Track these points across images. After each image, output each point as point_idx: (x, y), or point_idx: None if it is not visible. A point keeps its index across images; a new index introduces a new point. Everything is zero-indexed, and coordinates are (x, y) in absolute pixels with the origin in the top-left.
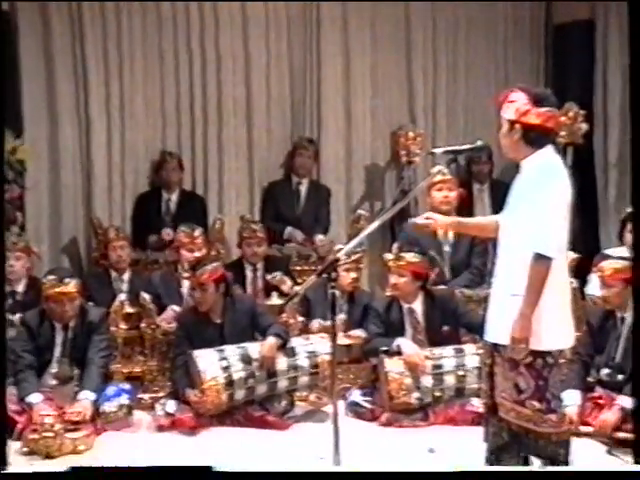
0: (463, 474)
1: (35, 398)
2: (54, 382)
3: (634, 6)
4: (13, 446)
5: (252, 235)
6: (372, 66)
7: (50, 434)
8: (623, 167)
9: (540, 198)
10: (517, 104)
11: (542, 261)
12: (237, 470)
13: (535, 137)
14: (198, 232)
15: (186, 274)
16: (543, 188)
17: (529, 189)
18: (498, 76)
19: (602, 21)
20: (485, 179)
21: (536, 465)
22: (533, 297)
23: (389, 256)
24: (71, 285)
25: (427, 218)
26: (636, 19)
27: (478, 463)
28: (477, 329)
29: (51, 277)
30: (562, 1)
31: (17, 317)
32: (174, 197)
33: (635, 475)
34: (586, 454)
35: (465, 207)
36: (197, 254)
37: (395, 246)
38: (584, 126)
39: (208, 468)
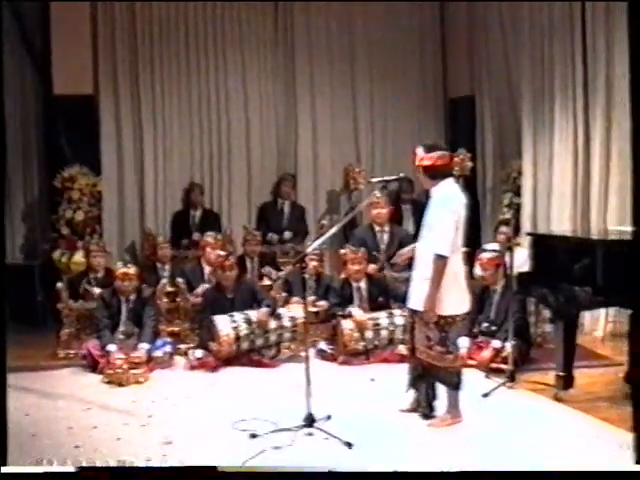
0: (463, 474)
1: (111, 347)
2: (122, 337)
3: (634, 6)
4: (97, 378)
5: (252, 238)
6: (332, 127)
7: (120, 370)
8: (495, 191)
9: (437, 215)
10: (417, 154)
11: (439, 258)
12: (240, 470)
13: (433, 173)
14: (219, 237)
15: (207, 265)
16: (439, 209)
17: (432, 209)
18: (413, 132)
19: (479, 95)
20: (408, 201)
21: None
22: (436, 282)
23: (344, 251)
24: (131, 270)
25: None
26: (636, 19)
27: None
28: (402, 300)
29: (120, 264)
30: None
31: (97, 293)
32: (198, 213)
33: (635, 475)
34: (472, 379)
35: (396, 219)
36: (217, 252)
37: (348, 245)
38: (469, 164)
39: (213, 468)
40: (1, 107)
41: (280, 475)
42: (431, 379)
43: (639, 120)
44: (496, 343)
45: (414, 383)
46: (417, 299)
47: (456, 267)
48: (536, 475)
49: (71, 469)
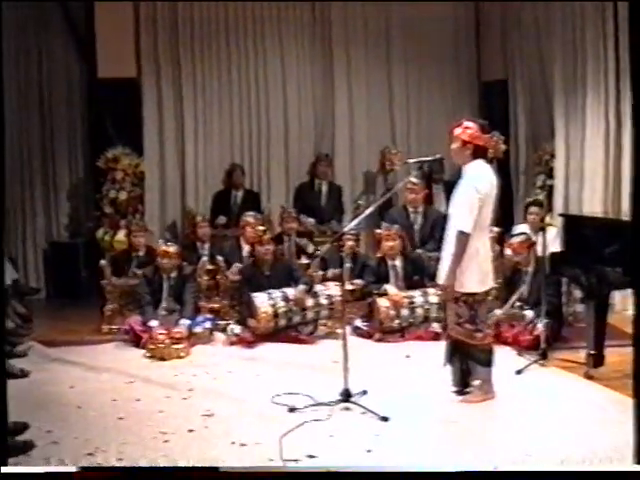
0: (463, 474)
1: (153, 323)
2: (164, 313)
3: (634, 6)
4: (139, 352)
5: (288, 217)
6: (368, 109)
7: (162, 345)
8: (528, 174)
9: (462, 192)
10: (471, 131)
11: (461, 235)
12: (241, 470)
13: (471, 150)
14: (259, 216)
15: (246, 245)
16: (465, 187)
17: (459, 187)
18: (448, 115)
19: (512, 79)
20: (440, 181)
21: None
22: (456, 258)
23: (379, 230)
24: (171, 248)
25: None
26: (636, 19)
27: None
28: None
29: (161, 242)
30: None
31: (140, 271)
32: (240, 194)
33: (635, 475)
34: (504, 356)
35: (428, 200)
36: (258, 228)
37: (383, 224)
38: (503, 147)
39: (215, 469)
40: (1, 107)
41: (280, 475)
42: (463, 356)
43: None
44: (529, 314)
45: (450, 358)
46: (445, 274)
47: (479, 245)
48: (536, 475)
49: (72, 469)
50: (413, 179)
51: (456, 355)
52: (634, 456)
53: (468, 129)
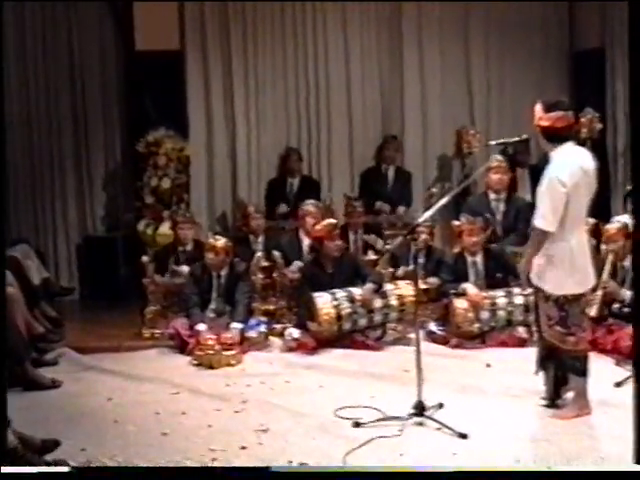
0: (463, 474)
1: (201, 326)
2: (212, 315)
3: (634, 6)
4: (185, 360)
5: (352, 209)
6: (442, 83)
7: (211, 352)
8: (628, 156)
9: (546, 184)
10: (536, 113)
11: (538, 231)
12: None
13: (551, 136)
14: (320, 205)
15: (307, 237)
16: (549, 177)
17: (544, 178)
18: (535, 90)
19: (610, 48)
20: (525, 165)
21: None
22: (532, 253)
23: (458, 222)
24: (220, 242)
25: None
26: (636, 19)
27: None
28: None
29: (210, 236)
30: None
31: (186, 268)
32: (296, 181)
33: (635, 475)
34: (601, 366)
35: (511, 186)
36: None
37: (464, 216)
38: (599, 125)
39: (212, 468)
40: (1, 106)
41: (280, 475)
42: (558, 362)
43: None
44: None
45: (543, 365)
46: (534, 273)
47: (573, 242)
48: (537, 475)
49: (70, 469)
50: (498, 156)
51: (550, 361)
52: (634, 456)
53: (542, 118)
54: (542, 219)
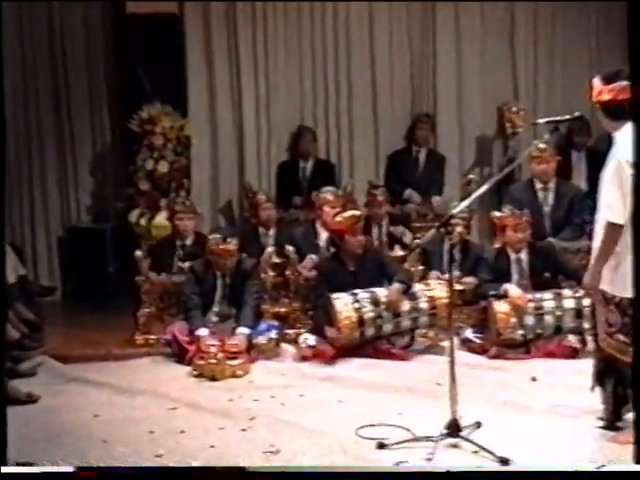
0: (463, 474)
1: (202, 332)
2: (216, 319)
3: (634, 6)
4: (184, 370)
5: (373, 199)
6: (481, 52)
7: (214, 361)
8: None
9: (611, 169)
10: (594, 87)
11: (610, 227)
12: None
13: (614, 111)
14: (340, 193)
15: (324, 230)
16: (614, 161)
17: (610, 162)
18: (591, 60)
19: None
20: (582, 148)
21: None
22: (602, 256)
23: (499, 214)
24: (232, 244)
25: None
26: (636, 19)
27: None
28: (573, 276)
29: (216, 236)
30: None
31: (186, 265)
32: (309, 165)
33: (635, 475)
34: None
35: (564, 172)
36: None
37: (507, 207)
38: None
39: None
40: (1, 105)
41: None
42: (619, 377)
43: None
44: None
45: (600, 380)
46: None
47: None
48: (536, 475)
49: (70, 469)
50: (540, 144)
51: (608, 375)
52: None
53: (602, 92)
54: (614, 211)
